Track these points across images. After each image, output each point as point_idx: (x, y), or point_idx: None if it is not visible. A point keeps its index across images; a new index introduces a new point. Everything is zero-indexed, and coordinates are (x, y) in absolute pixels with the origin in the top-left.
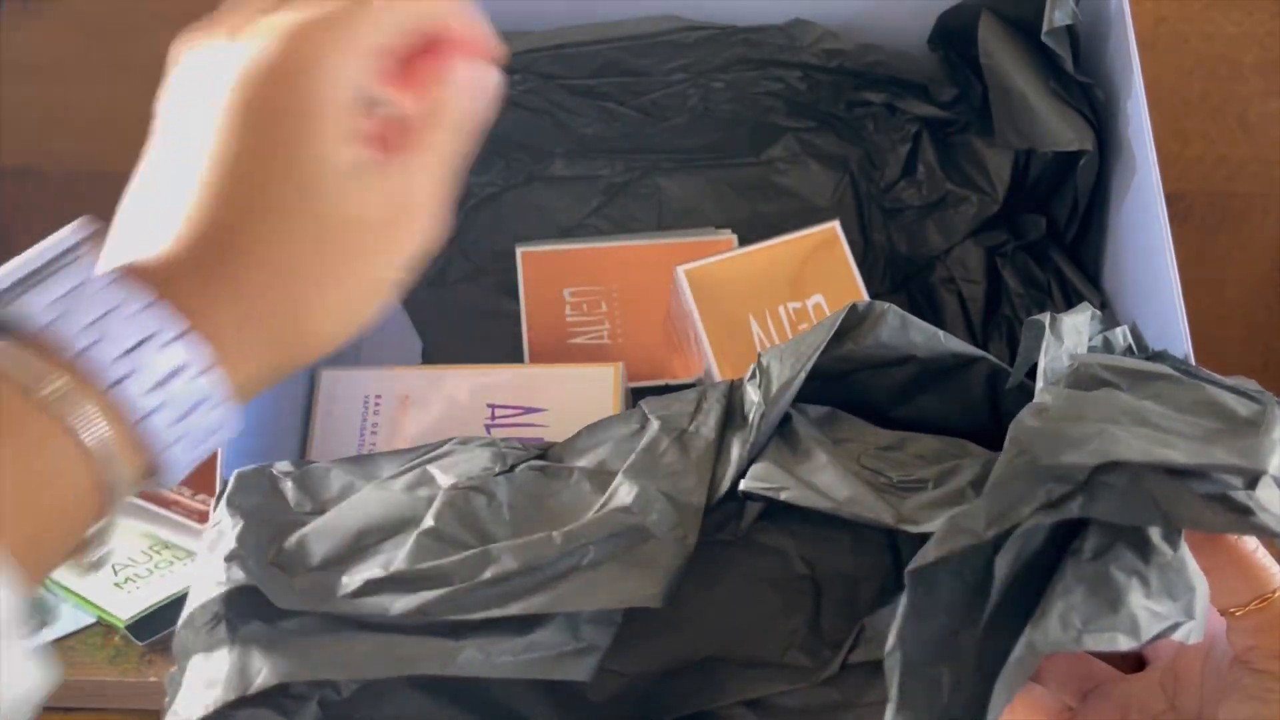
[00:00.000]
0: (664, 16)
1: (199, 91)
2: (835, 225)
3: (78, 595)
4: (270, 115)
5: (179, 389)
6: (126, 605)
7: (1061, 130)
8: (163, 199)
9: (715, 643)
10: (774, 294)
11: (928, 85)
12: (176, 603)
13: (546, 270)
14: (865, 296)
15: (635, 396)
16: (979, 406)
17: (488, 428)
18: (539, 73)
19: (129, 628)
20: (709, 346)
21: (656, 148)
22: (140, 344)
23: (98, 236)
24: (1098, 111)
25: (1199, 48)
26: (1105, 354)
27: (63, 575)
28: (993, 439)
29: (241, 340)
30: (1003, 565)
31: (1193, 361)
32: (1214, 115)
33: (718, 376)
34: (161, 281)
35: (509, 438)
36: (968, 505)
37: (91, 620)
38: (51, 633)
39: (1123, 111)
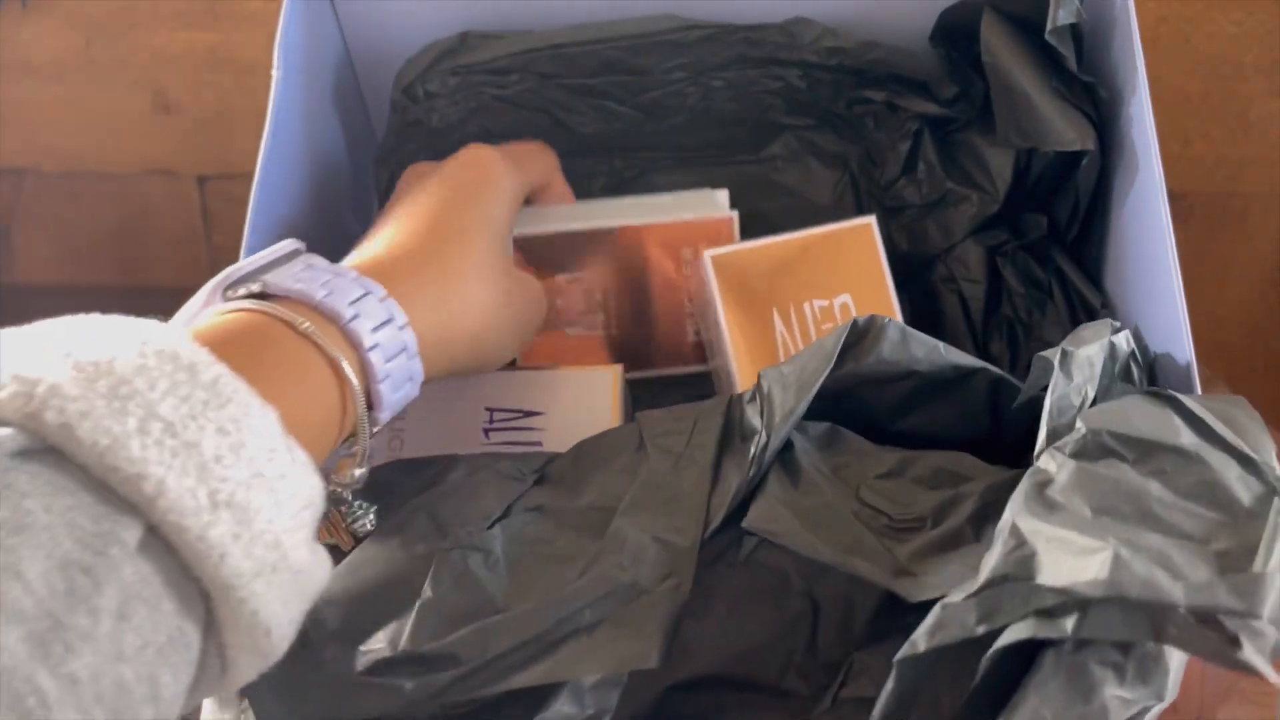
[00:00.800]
0: (663, 15)
1: (420, 176)
2: (871, 221)
3: None
4: (463, 182)
5: (388, 335)
6: None
7: (1063, 130)
8: (383, 230)
9: (714, 662)
10: (801, 289)
11: (929, 83)
12: None
13: (539, 255)
14: (893, 299)
15: (635, 397)
16: (980, 416)
17: (485, 431)
18: (537, 72)
19: None
20: (729, 339)
21: (656, 146)
22: (361, 297)
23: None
24: (1100, 111)
25: (1200, 47)
26: (1112, 406)
27: None
28: (993, 447)
29: (425, 319)
30: (988, 662)
31: (1195, 364)
32: (1215, 115)
33: (734, 370)
34: (372, 269)
35: (507, 443)
36: (959, 599)
37: None
38: None
39: (1126, 111)
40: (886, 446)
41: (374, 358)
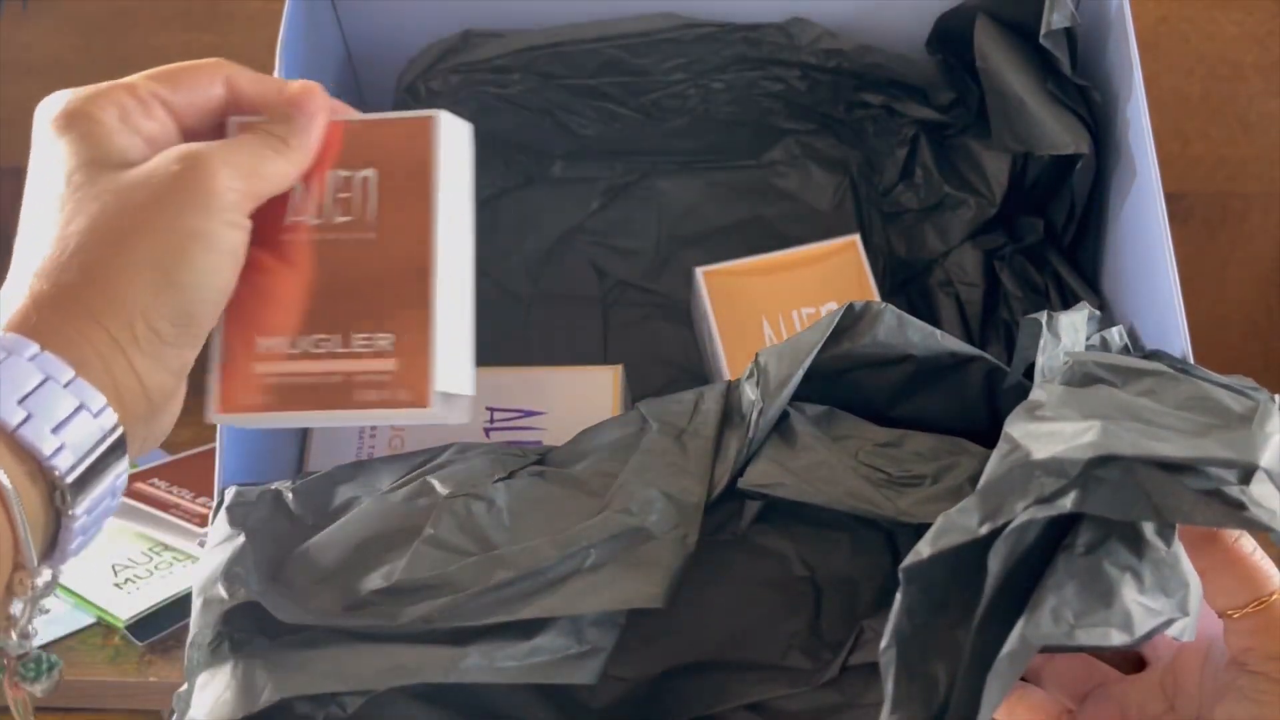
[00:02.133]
0: (663, 14)
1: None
2: (856, 239)
3: (78, 595)
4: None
5: (52, 395)
6: (126, 606)
7: (1058, 134)
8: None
9: (715, 645)
10: (789, 299)
11: (925, 89)
12: (176, 603)
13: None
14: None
15: (634, 398)
16: (976, 405)
17: (487, 431)
18: (538, 72)
19: (129, 628)
20: (721, 348)
21: (656, 149)
22: (5, 368)
23: None
24: (1095, 114)
25: (1200, 47)
26: (1101, 352)
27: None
28: (990, 437)
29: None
30: (996, 561)
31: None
32: (1215, 115)
33: (728, 378)
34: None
35: (508, 443)
36: (961, 502)
37: (91, 620)
38: (51, 633)
39: (1122, 114)
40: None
41: (28, 432)
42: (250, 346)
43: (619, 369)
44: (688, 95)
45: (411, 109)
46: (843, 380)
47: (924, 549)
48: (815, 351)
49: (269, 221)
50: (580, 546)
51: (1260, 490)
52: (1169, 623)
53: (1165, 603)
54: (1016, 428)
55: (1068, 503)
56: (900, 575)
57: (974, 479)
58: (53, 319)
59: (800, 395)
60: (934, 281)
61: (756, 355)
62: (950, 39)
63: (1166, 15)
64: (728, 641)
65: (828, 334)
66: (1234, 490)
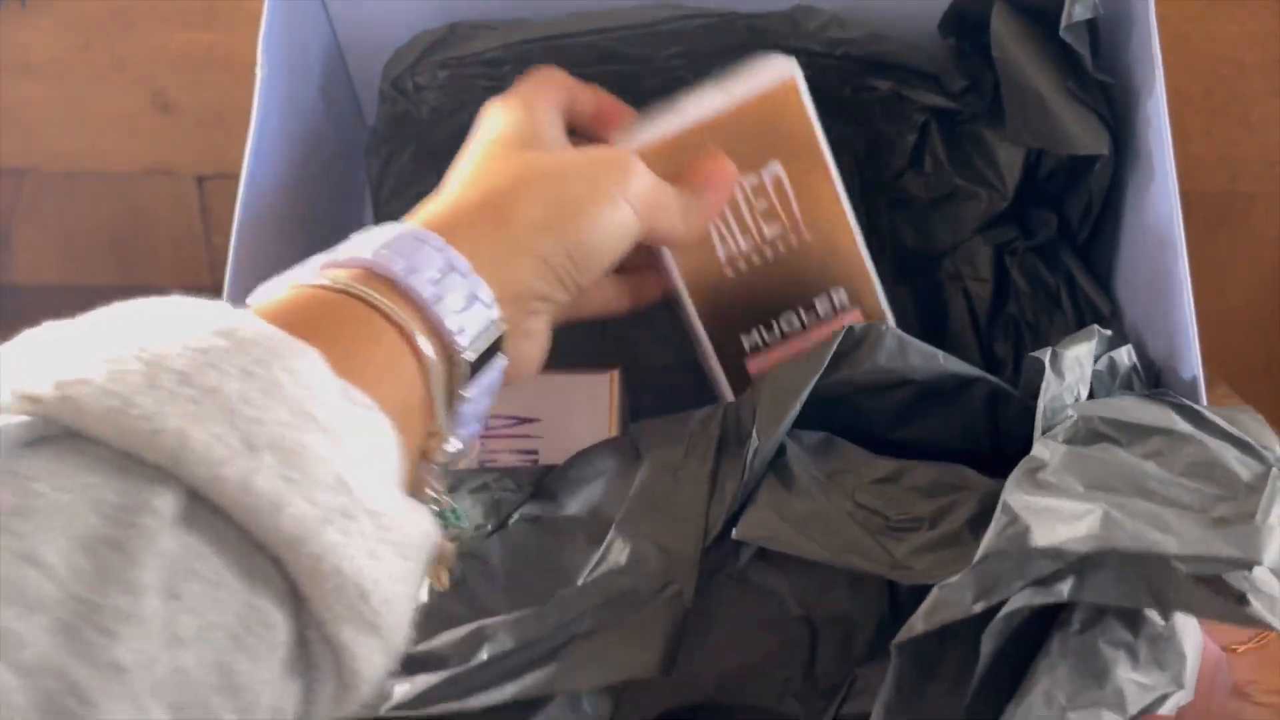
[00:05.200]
0: (662, 4)
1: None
2: (794, 73)
3: None
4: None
5: (454, 282)
6: None
7: (1078, 133)
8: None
9: (711, 688)
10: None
11: (938, 75)
12: None
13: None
14: (829, 160)
15: (634, 399)
16: (978, 428)
17: (481, 438)
18: (531, 63)
19: None
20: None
21: None
22: (420, 253)
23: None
24: (1116, 112)
25: (1201, 47)
26: (1105, 400)
27: None
28: (992, 460)
29: (499, 258)
30: (989, 642)
31: (1202, 377)
32: (1216, 114)
33: (677, 277)
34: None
35: (499, 464)
36: (957, 577)
37: None
38: None
39: (1143, 113)
40: (883, 456)
41: (441, 309)
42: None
43: (615, 374)
44: (687, 81)
45: (399, 104)
46: (842, 405)
47: (918, 624)
48: (811, 385)
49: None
50: (574, 613)
51: (1263, 577)
52: (1163, 698)
53: (1160, 677)
54: (1016, 498)
55: (1065, 590)
56: (893, 650)
57: (972, 522)
58: (456, 225)
59: (799, 420)
60: (943, 274)
61: (753, 381)
62: (964, 22)
63: (1167, 15)
64: (724, 685)
65: (825, 364)
66: (1236, 578)
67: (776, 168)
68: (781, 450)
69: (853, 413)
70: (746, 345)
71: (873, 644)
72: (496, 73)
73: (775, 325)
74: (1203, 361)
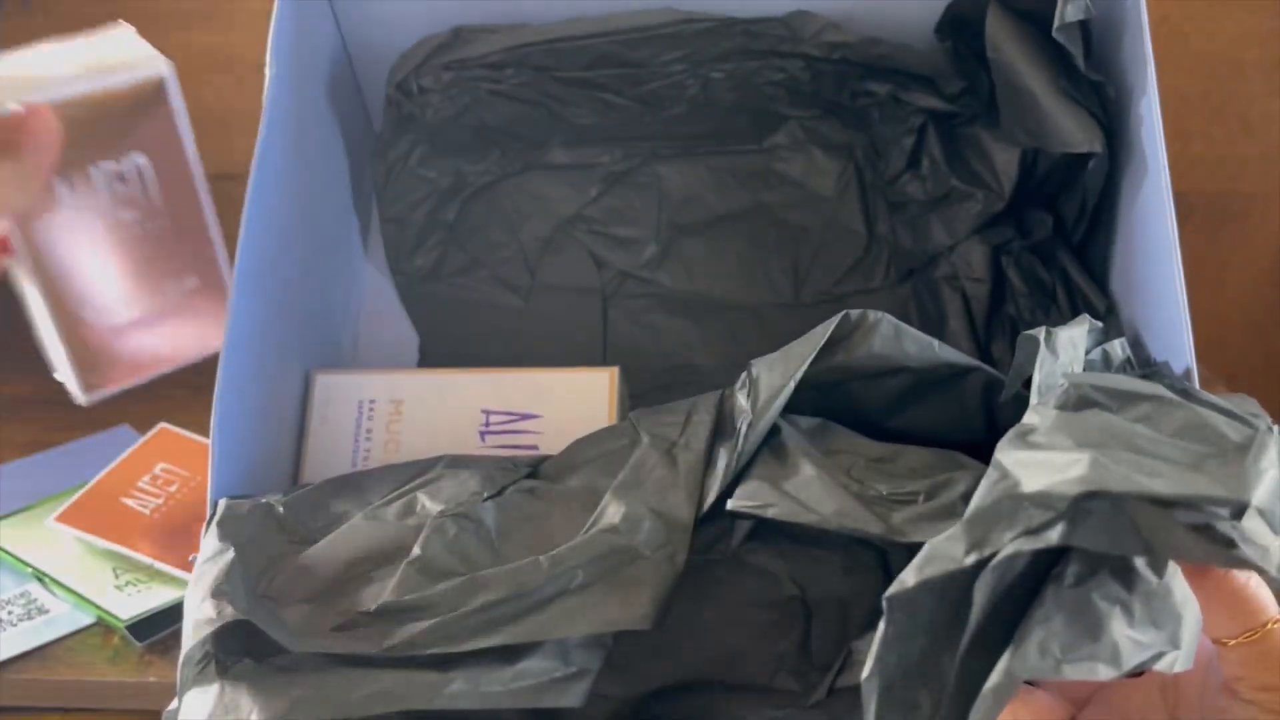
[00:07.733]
0: (661, 10)
1: None
2: (163, 73)
3: (78, 595)
4: None
5: None
6: (126, 606)
7: (1071, 131)
8: None
9: (704, 665)
10: (86, 151)
11: (934, 77)
12: (176, 604)
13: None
14: (191, 161)
15: (633, 395)
16: (974, 417)
17: (482, 434)
18: (532, 66)
19: (129, 628)
20: None
21: (655, 135)
22: None
23: None
24: (1109, 111)
25: (1200, 47)
26: (1097, 373)
27: (63, 574)
28: (987, 450)
29: None
30: (981, 593)
31: (1195, 371)
32: (1215, 114)
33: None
34: None
35: (501, 455)
36: (948, 530)
37: (91, 620)
38: (51, 632)
39: (1135, 112)
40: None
41: None
42: None
43: (615, 371)
44: (686, 85)
45: (404, 107)
46: (837, 392)
47: (909, 578)
48: (807, 363)
49: None
50: (567, 567)
51: (1252, 525)
52: (1159, 656)
53: (1155, 636)
54: (1007, 455)
55: (1055, 536)
56: (885, 603)
57: (967, 496)
58: None
59: (794, 406)
60: (940, 275)
61: (750, 365)
62: (961, 25)
63: (1167, 15)
64: (717, 661)
65: (820, 345)
66: (1225, 526)
67: (139, 158)
68: (776, 430)
69: (848, 400)
70: None
71: (867, 623)
72: (498, 75)
73: None
74: (1201, 361)
